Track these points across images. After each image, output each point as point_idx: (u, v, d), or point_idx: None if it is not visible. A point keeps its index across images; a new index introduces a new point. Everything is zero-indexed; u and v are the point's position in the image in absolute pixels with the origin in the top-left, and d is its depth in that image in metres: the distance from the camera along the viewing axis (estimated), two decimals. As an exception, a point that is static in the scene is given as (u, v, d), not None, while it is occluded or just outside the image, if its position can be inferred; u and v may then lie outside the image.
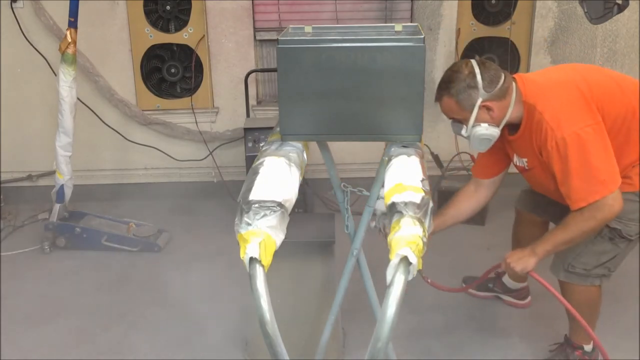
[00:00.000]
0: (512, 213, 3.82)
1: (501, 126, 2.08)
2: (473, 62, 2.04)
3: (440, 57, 3.96)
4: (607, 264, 2.19)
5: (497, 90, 2.02)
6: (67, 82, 3.24)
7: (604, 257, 2.18)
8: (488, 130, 2.05)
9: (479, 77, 2.00)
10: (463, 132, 2.08)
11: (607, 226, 2.11)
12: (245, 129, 3.52)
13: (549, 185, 2.15)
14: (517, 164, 2.26)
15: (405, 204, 1.23)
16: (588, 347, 2.35)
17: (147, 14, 3.86)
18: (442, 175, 3.86)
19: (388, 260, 1.13)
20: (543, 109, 2.00)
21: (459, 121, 2.09)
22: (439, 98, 2.09)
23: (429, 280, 2.37)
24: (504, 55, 4.02)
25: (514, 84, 2.07)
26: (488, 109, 2.03)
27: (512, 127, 2.14)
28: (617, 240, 2.14)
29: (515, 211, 2.72)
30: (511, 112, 2.06)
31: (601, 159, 1.95)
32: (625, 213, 2.06)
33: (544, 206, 2.41)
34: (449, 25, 3.89)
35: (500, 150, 2.29)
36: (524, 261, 2.10)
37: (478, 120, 2.04)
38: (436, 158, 3.93)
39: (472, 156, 3.93)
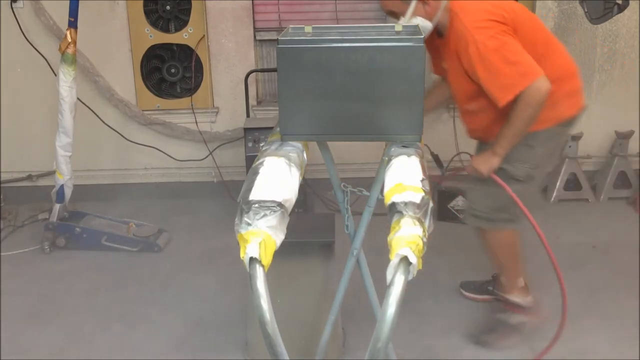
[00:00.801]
0: (512, 213, 3.83)
1: (433, 23, 2.26)
2: None
3: (440, 57, 3.96)
4: (507, 208, 2.36)
5: None
6: (67, 82, 3.24)
7: (498, 200, 2.35)
8: (423, 23, 2.23)
9: None
10: (399, 25, 2.22)
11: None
12: (245, 129, 3.52)
13: (463, 91, 2.36)
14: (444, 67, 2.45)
15: (405, 204, 1.22)
16: (513, 297, 2.59)
17: (147, 14, 3.86)
18: (442, 175, 3.85)
19: (388, 260, 1.13)
20: (464, 18, 2.19)
21: (395, 15, 2.27)
22: None
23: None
24: (504, 55, 4.01)
25: None
26: (424, 3, 2.23)
27: (439, 34, 2.34)
28: (507, 181, 2.29)
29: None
30: (440, 15, 2.25)
31: (519, 55, 2.15)
32: (512, 154, 2.29)
33: None
34: (449, 25, 3.89)
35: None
36: (489, 162, 2.30)
37: (415, 14, 2.23)
38: (436, 158, 3.92)
39: (472, 156, 3.92)
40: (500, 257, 2.54)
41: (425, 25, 2.23)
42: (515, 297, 2.66)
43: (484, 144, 2.47)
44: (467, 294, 2.92)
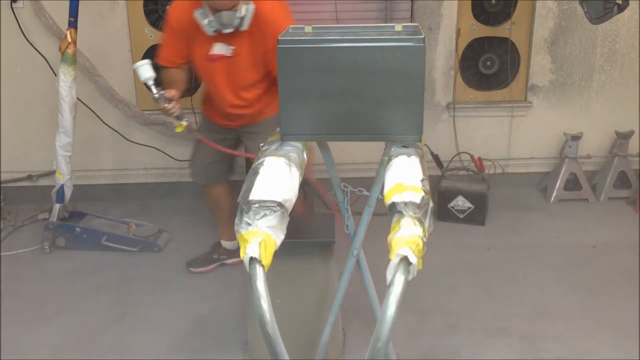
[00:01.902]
0: (512, 213, 3.85)
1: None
2: None
3: (440, 57, 3.96)
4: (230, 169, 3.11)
5: None
6: (67, 82, 3.24)
7: (223, 162, 3.04)
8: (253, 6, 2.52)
9: None
10: (243, 12, 2.48)
11: None
12: (245, 129, 3.51)
13: (247, 79, 2.70)
14: (214, 52, 2.66)
15: (405, 204, 1.22)
16: (227, 244, 3.22)
17: (147, 14, 3.86)
18: (442, 175, 3.86)
19: (388, 260, 1.13)
20: (274, 9, 2.53)
21: (231, 9, 2.48)
22: None
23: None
24: (504, 55, 4.02)
25: None
26: None
27: (228, 27, 2.57)
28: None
29: (202, 187, 3.17)
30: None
31: None
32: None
33: (217, 173, 3.09)
34: (449, 25, 3.89)
35: (187, 39, 2.70)
36: None
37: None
38: (436, 158, 3.92)
39: (472, 156, 3.93)
40: (220, 208, 3.13)
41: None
42: (228, 244, 3.22)
43: (247, 126, 2.87)
44: (195, 270, 3.16)
